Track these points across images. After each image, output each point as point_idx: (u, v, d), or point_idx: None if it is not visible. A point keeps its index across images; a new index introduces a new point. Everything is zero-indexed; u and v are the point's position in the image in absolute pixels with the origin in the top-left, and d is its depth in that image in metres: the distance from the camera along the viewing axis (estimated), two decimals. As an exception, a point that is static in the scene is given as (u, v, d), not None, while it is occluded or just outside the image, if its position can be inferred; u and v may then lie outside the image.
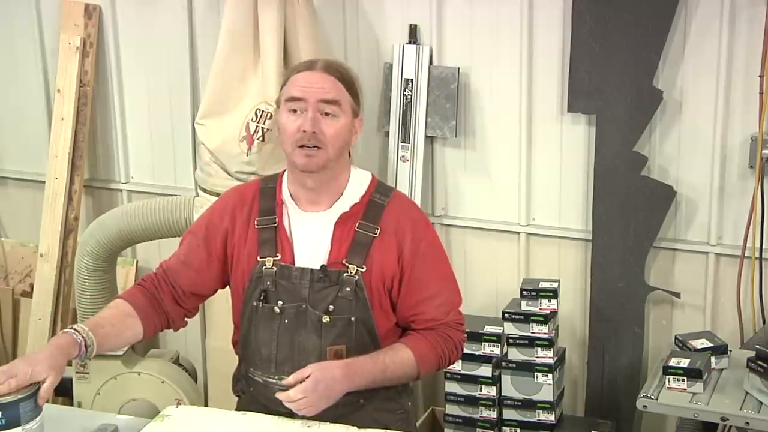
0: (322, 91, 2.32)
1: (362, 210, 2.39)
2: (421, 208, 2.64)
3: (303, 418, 2.28)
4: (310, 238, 2.39)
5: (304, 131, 2.30)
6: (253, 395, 2.47)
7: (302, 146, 2.32)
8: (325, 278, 2.35)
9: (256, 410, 2.40)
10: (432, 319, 2.41)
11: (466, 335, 2.50)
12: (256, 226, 2.42)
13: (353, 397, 2.36)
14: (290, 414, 2.30)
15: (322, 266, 2.35)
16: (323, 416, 2.30)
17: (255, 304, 2.40)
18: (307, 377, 2.22)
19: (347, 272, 2.34)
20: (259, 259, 2.39)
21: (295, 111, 2.33)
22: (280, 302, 2.37)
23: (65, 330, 2.27)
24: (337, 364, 2.29)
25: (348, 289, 2.34)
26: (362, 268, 2.34)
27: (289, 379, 2.24)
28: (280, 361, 2.39)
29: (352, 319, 2.35)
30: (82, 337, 2.24)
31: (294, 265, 2.38)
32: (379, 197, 2.42)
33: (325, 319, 2.34)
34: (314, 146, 2.31)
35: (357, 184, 2.43)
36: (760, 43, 3.17)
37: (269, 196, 2.45)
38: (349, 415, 2.35)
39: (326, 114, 2.33)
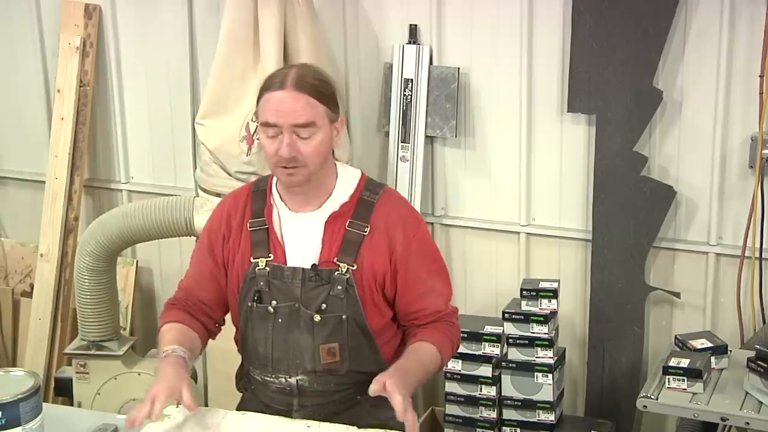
0: (295, 115, 2.29)
1: (352, 209, 2.40)
2: (414, 206, 2.64)
3: (309, 418, 2.30)
4: (301, 238, 2.40)
5: (282, 156, 2.30)
6: (254, 392, 2.49)
7: (283, 167, 2.33)
8: (317, 277, 2.36)
9: (257, 407, 2.42)
10: (436, 311, 2.43)
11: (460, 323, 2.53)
12: (248, 228, 2.43)
13: (349, 393, 2.38)
14: (290, 413, 2.33)
15: (313, 265, 2.37)
16: (319, 413, 2.31)
17: (249, 304, 2.41)
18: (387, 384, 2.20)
19: (338, 271, 2.35)
20: (252, 260, 2.41)
21: (272, 135, 2.32)
22: (273, 302, 2.39)
23: (166, 351, 2.32)
24: (401, 375, 2.26)
25: (339, 287, 2.35)
26: (353, 266, 2.35)
27: (373, 387, 2.20)
28: (276, 359, 2.40)
29: (344, 317, 2.36)
30: (183, 351, 2.33)
31: (286, 265, 2.39)
32: (369, 195, 2.42)
33: (317, 317, 2.36)
34: (294, 166, 2.32)
35: (346, 183, 2.43)
36: (760, 43, 3.17)
37: (260, 198, 2.46)
38: (346, 411, 2.36)
39: (303, 136, 2.31)
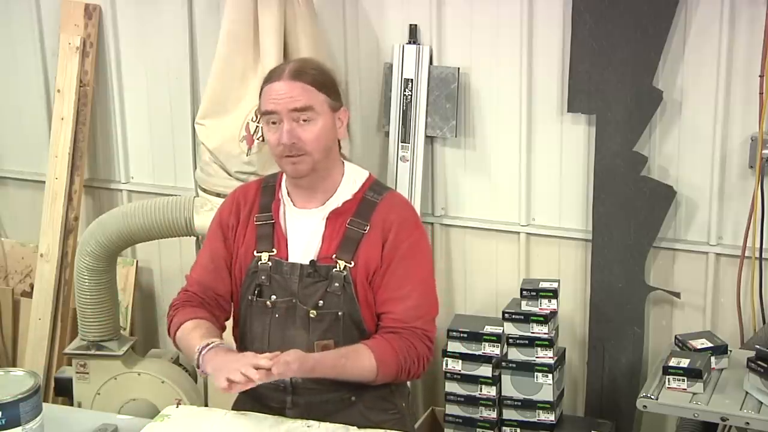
0: (292, 100, 2.34)
1: (354, 207, 2.42)
2: (414, 206, 2.63)
3: (302, 417, 2.30)
4: (304, 234, 2.43)
5: (284, 144, 2.34)
6: (247, 391, 2.49)
7: (287, 156, 2.35)
8: (315, 273, 2.38)
9: (251, 405, 2.43)
10: (398, 320, 2.38)
11: (431, 351, 2.44)
12: (255, 222, 2.46)
13: (343, 393, 2.38)
14: (283, 411, 2.35)
15: (312, 261, 2.38)
16: (312, 412, 2.31)
17: (250, 298, 2.44)
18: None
19: (336, 267, 2.36)
20: (255, 253, 2.43)
21: (273, 123, 2.37)
22: (273, 297, 2.41)
23: (211, 344, 2.31)
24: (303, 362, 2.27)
25: (337, 284, 2.36)
26: (351, 263, 2.36)
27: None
28: None
29: (339, 313, 2.37)
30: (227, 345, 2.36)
31: (287, 260, 2.40)
32: (372, 195, 2.44)
33: (312, 313, 2.37)
34: (297, 154, 2.34)
35: (351, 181, 2.45)
36: (760, 43, 3.17)
37: (269, 194, 2.50)
38: (339, 412, 2.36)
39: (303, 120, 2.35)
